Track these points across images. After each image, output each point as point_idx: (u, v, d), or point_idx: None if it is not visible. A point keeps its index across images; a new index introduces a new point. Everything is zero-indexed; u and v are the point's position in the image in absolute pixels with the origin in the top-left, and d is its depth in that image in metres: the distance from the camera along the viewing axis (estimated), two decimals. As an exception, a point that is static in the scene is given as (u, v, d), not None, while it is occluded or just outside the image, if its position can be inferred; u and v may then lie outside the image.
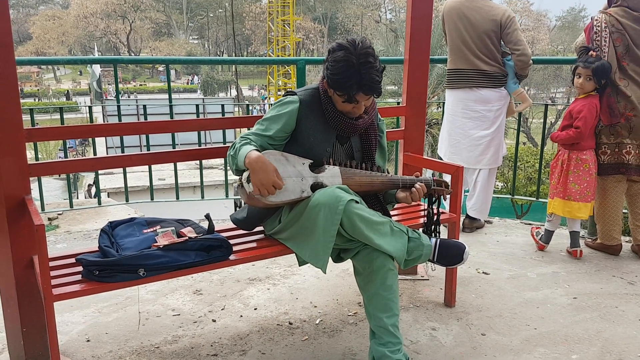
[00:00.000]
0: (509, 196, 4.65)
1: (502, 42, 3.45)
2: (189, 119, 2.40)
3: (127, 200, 4.06)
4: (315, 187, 2.02)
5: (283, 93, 2.19)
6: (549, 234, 3.31)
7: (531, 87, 27.02)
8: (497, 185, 10.06)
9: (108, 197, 11.12)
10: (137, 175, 11.86)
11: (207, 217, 2.18)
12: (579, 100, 3.12)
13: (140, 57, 16.24)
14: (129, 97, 32.97)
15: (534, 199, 4.31)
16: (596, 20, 3.11)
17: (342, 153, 2.17)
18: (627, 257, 3.23)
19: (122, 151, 3.73)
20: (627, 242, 3.41)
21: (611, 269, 3.06)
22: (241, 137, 2.09)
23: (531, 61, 3.40)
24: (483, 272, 2.98)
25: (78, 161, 2.24)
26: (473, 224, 3.66)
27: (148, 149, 3.59)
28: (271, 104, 2.24)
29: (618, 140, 3.09)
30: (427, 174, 2.25)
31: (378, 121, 2.27)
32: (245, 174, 1.97)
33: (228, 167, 2.27)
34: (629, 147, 3.08)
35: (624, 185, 3.19)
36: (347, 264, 2.75)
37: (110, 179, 12.25)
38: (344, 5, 47.13)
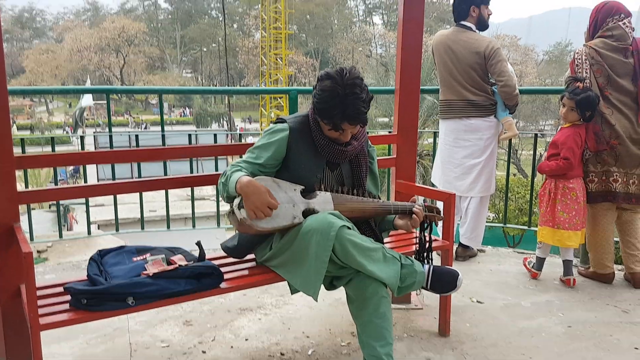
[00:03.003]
0: (501, 225, 4.66)
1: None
2: (181, 146, 2.40)
3: (117, 230, 4.02)
4: (307, 213, 2.02)
5: (274, 120, 2.20)
6: (540, 261, 3.30)
7: (520, 119, 27.39)
8: (489, 216, 10.09)
9: (98, 229, 11.01)
10: (128, 207, 11.76)
11: (198, 244, 2.16)
12: (564, 130, 3.16)
13: (133, 87, 16.18)
14: (143, 128, 33.00)
15: (526, 227, 4.33)
16: (577, 53, 3.18)
17: (332, 179, 2.18)
18: (620, 286, 3.22)
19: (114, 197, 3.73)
20: (619, 270, 3.41)
21: (605, 297, 3.04)
22: (232, 165, 2.09)
23: (517, 91, 3.44)
24: (477, 301, 2.96)
25: (68, 189, 2.23)
26: (466, 253, 3.65)
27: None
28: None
29: (605, 168, 3.12)
30: (419, 200, 2.25)
31: (368, 148, 2.28)
32: (236, 201, 1.97)
33: (220, 197, 2.26)
34: (616, 175, 3.10)
35: (614, 213, 3.20)
36: (341, 293, 2.72)
37: (101, 211, 12.14)
38: (335, 40, 47.93)
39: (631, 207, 3.17)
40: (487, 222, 3.84)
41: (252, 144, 2.19)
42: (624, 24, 3.08)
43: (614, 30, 3.08)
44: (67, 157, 2.25)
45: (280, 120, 2.17)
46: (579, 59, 3.15)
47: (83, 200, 4.86)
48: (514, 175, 16.15)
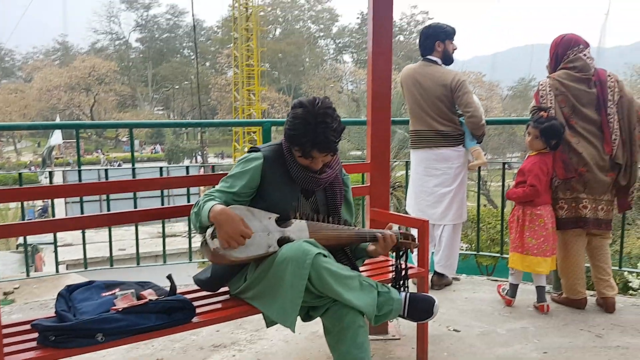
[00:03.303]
0: (474, 252, 4.71)
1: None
2: (152, 178, 2.37)
3: (85, 267, 3.91)
4: (282, 241, 2.00)
5: (248, 149, 2.20)
6: (513, 288, 3.32)
7: (487, 152, 27.97)
8: (462, 246, 10.17)
9: (67, 269, 10.70)
10: (97, 246, 11.49)
11: (169, 278, 2.11)
12: (531, 158, 3.22)
13: (103, 122, 15.97)
14: (117, 166, 32.58)
15: (499, 254, 4.38)
16: (541, 84, 3.26)
17: (307, 207, 2.17)
18: (593, 311, 3.25)
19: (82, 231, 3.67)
20: (591, 296, 3.45)
21: (578, 322, 3.06)
22: (205, 194, 2.07)
23: (483, 122, 3.52)
24: (454, 330, 2.95)
25: (35, 223, 2.15)
26: (441, 281, 3.66)
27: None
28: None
29: (574, 195, 3.17)
30: (394, 227, 2.26)
31: (343, 176, 2.29)
32: (209, 230, 1.94)
33: (192, 228, 2.22)
34: (585, 202, 3.16)
35: (584, 239, 3.24)
36: (317, 326, 2.68)
37: (69, 250, 11.82)
38: (307, 77, 48.63)
39: (601, 233, 3.23)
40: (460, 251, 3.87)
41: (226, 173, 2.18)
42: (584, 55, 3.19)
43: (576, 62, 3.18)
44: (35, 191, 2.20)
45: (254, 149, 2.17)
46: (543, 90, 3.23)
47: (51, 239, 4.73)
48: (484, 206, 16.37)
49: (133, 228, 3.40)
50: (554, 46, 3.29)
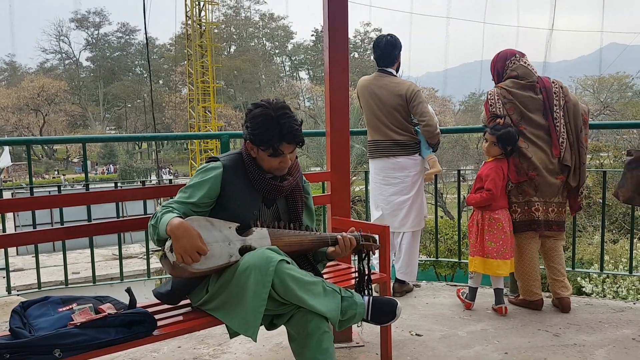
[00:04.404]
0: (434, 259, 4.79)
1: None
2: (107, 190, 2.31)
3: (39, 287, 3.77)
4: (244, 250, 1.98)
5: (205, 159, 2.18)
6: (473, 291, 3.39)
7: (442, 164, 28.47)
8: (421, 257, 10.32)
9: (18, 295, 10.23)
10: (50, 270, 11.09)
11: (128, 291, 2.06)
12: (487, 164, 3.33)
13: (55, 137, 15.31)
14: (83, 186, 31.22)
15: (457, 259, 4.47)
16: (490, 94, 3.39)
17: (268, 216, 2.17)
18: (549, 311, 3.34)
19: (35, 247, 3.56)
20: (547, 297, 3.55)
21: (536, 323, 3.15)
22: (163, 206, 2.04)
23: (438, 130, 3.61)
24: (416, 334, 2.98)
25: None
26: (402, 288, 3.70)
27: (63, 242, 3.35)
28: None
29: (526, 198, 3.28)
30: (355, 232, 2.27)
31: (303, 183, 2.30)
32: (168, 243, 1.91)
33: (150, 240, 2.17)
34: (537, 205, 3.27)
35: (538, 242, 3.35)
36: (282, 337, 2.66)
37: (20, 276, 11.35)
38: (264, 94, 48.57)
39: (553, 235, 3.34)
40: (419, 259, 3.93)
41: (184, 184, 2.16)
42: (524, 63, 3.34)
43: (518, 70, 3.32)
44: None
45: (212, 159, 2.15)
46: (492, 98, 3.35)
47: (2, 264, 4.52)
48: (441, 217, 16.69)
49: (87, 251, 3.30)
50: (493, 64, 3.47)
